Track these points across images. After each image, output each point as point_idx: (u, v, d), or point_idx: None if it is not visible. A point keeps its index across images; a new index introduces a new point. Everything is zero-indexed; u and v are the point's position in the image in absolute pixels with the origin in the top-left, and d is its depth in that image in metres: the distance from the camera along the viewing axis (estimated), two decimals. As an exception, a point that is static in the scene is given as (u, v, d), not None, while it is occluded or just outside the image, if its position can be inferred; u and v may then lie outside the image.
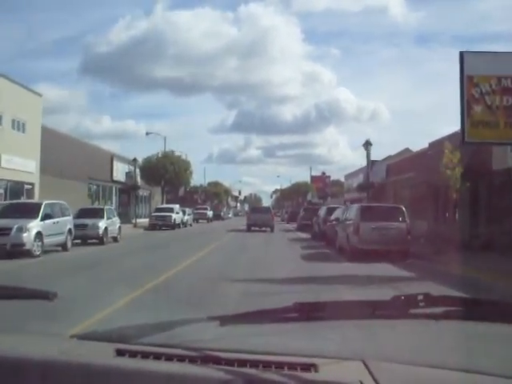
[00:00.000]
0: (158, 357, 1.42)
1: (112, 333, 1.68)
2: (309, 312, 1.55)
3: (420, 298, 1.47)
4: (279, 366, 1.36)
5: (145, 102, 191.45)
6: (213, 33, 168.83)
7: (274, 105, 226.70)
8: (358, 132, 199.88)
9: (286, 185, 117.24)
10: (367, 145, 27.75)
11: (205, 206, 63.36)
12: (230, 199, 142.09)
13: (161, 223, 38.60)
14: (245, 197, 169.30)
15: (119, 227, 24.12)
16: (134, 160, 39.37)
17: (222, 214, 76.89)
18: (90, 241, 21.31)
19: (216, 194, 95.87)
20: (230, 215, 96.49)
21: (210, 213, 62.21)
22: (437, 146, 21.70)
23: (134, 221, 44.69)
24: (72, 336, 1.68)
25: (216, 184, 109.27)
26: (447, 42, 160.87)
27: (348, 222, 17.45)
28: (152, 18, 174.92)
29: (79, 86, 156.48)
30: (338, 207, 25.68)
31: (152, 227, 38.50)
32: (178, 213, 40.54)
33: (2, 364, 1.39)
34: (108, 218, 22.72)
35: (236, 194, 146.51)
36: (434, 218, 23.63)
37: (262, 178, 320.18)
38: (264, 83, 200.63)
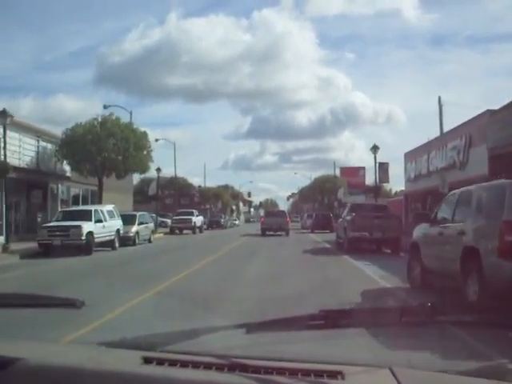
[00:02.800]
0: (184, 364, 1.42)
1: (139, 340, 1.68)
2: (335, 319, 1.48)
3: (447, 304, 1.48)
4: (306, 373, 1.35)
5: (160, 111, 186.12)
6: (227, 39, 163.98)
7: (289, 110, 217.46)
8: (373, 135, 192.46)
9: (304, 185, 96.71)
10: None
11: (189, 210, 43.24)
12: (241, 204, 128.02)
13: (60, 242, 18.76)
14: (260, 202, 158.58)
15: None
16: (2, 113, 18.78)
17: (222, 220, 57.16)
18: None
19: (217, 196, 75.62)
20: (237, 222, 77.87)
21: (197, 219, 42.28)
22: None
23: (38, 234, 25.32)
24: (100, 344, 1.67)
25: (226, 188, 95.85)
26: (461, 42, 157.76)
27: None
28: (165, 27, 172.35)
29: (95, 97, 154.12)
30: None
31: (44, 250, 18.77)
32: (99, 221, 20.43)
33: (35, 372, 1.41)
34: None
35: (247, 197, 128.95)
36: None
37: (278, 184, 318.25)
38: (279, 89, 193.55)
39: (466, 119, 22.78)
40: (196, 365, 1.41)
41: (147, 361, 1.44)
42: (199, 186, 70.69)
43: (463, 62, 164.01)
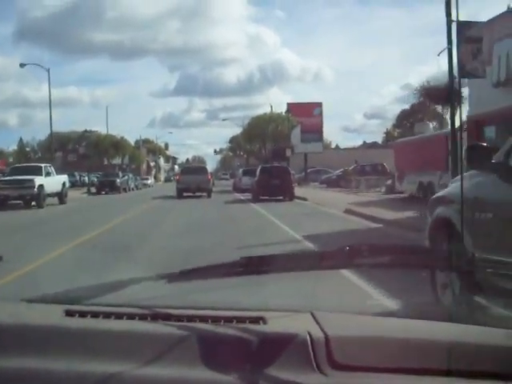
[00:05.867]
0: (107, 316, 1.40)
1: (61, 295, 1.66)
2: (256, 266, 1.50)
3: (365, 247, 1.48)
4: (228, 320, 1.36)
5: (87, 68, 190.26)
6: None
7: (217, 67, 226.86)
8: (302, 93, 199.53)
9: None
10: None
11: (35, 165, 24.06)
12: (162, 160, 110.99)
13: None
14: (187, 159, 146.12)
15: None
16: None
17: (117, 181, 38.70)
18: None
19: (117, 147, 55.35)
20: (149, 181, 61.47)
21: (49, 181, 23.14)
22: None
23: None
24: (21, 300, 1.62)
25: (146, 142, 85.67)
26: (387, 2, 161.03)
27: None
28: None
29: (15, 53, 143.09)
30: None
31: None
32: None
33: None
34: None
35: (165, 150, 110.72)
36: None
37: (206, 141, 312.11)
38: (207, 46, 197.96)
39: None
40: (119, 316, 1.39)
41: (69, 314, 1.42)
42: (85, 131, 49.93)
43: (389, 21, 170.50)
